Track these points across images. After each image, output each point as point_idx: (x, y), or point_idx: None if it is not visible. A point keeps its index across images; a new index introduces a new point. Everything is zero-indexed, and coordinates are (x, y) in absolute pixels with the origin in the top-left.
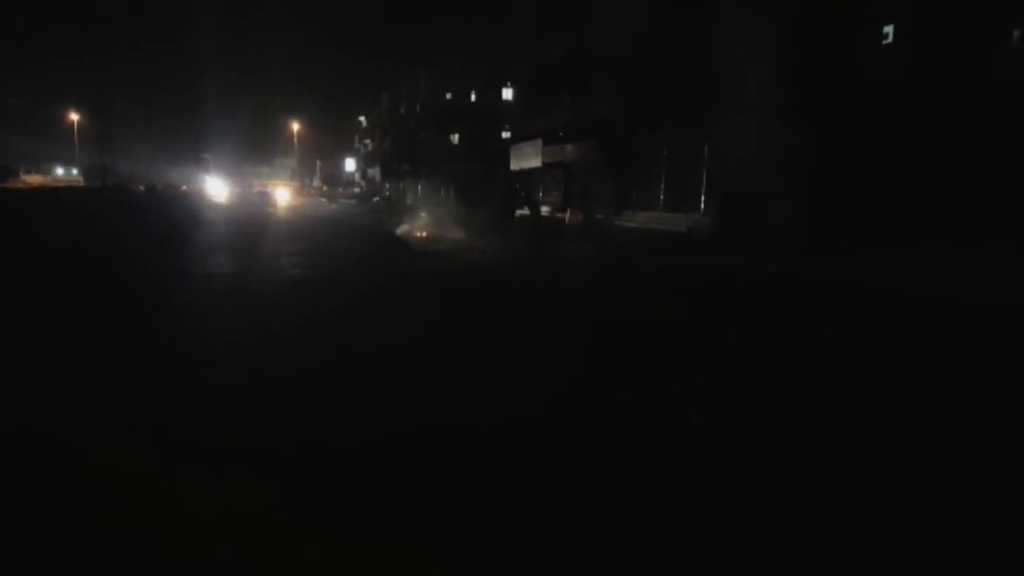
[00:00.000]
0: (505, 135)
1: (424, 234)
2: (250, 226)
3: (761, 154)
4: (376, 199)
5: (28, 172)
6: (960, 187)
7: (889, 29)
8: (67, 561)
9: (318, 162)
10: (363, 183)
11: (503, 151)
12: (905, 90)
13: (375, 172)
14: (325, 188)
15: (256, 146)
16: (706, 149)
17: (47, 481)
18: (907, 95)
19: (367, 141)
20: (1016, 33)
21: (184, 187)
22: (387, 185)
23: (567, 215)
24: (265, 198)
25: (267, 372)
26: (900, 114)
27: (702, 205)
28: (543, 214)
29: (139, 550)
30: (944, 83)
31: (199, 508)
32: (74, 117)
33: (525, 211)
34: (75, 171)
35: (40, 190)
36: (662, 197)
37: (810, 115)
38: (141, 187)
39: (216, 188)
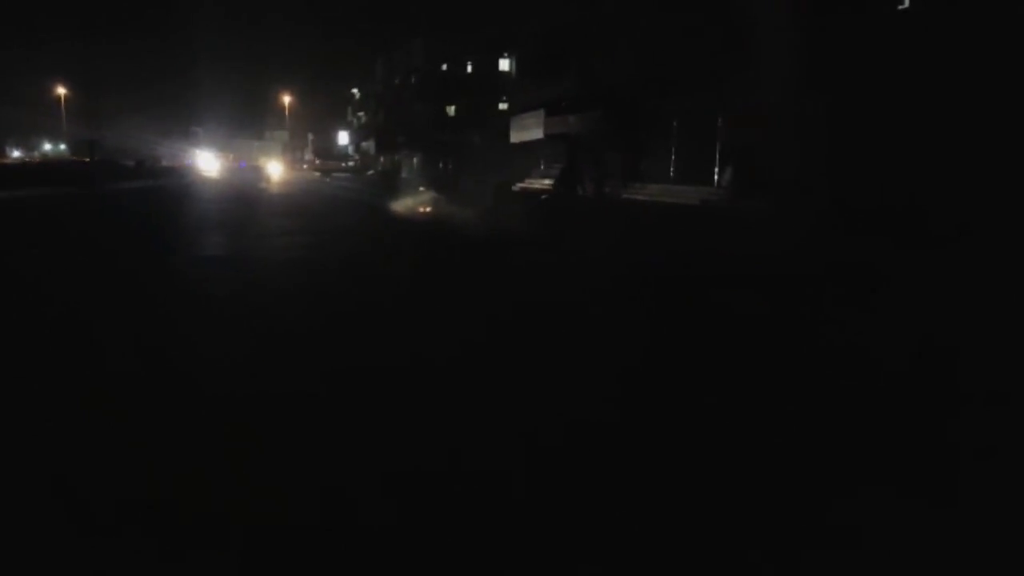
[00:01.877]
0: (503, 107)
1: (429, 209)
2: (236, 208)
3: (778, 122)
4: (370, 172)
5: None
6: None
7: None
8: None
9: (310, 135)
10: (357, 157)
11: (503, 123)
12: (923, 57)
13: (369, 145)
14: (318, 162)
15: (247, 119)
16: (719, 119)
17: None
18: (925, 62)
19: (360, 113)
20: None
21: (175, 162)
22: (382, 158)
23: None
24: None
25: None
26: (919, 80)
27: (715, 177)
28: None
29: None
30: (963, 51)
31: None
32: (61, 91)
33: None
34: (63, 146)
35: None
36: (672, 169)
37: (827, 81)
38: (131, 162)
39: (207, 162)
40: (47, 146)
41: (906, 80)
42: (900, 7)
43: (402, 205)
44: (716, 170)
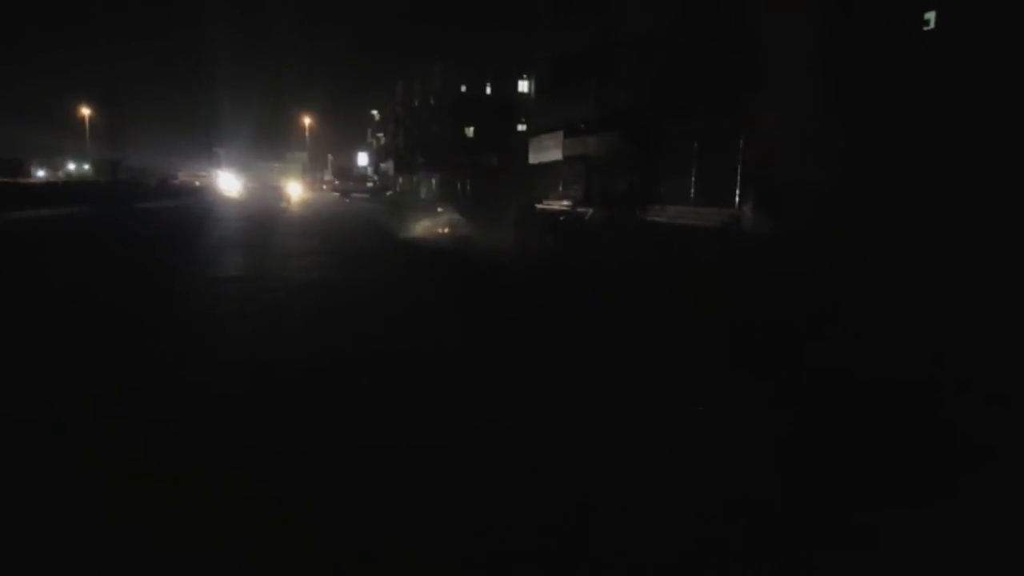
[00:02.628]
0: (521, 128)
1: (446, 231)
2: (257, 228)
3: (801, 143)
4: (389, 193)
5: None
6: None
7: (931, 16)
8: None
9: (330, 156)
10: (375, 177)
11: (521, 144)
12: (948, 78)
13: (388, 166)
14: (337, 182)
15: (268, 140)
16: (741, 140)
17: None
18: (950, 83)
19: (379, 135)
20: None
21: (197, 182)
22: (400, 179)
23: (588, 212)
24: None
25: None
26: (945, 99)
27: (736, 199)
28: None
29: None
30: (988, 73)
31: None
32: (85, 111)
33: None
34: (86, 166)
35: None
36: (693, 191)
37: (851, 102)
38: (153, 181)
39: (228, 182)
40: (71, 166)
41: (930, 100)
42: (925, 28)
43: (420, 226)
44: (737, 192)
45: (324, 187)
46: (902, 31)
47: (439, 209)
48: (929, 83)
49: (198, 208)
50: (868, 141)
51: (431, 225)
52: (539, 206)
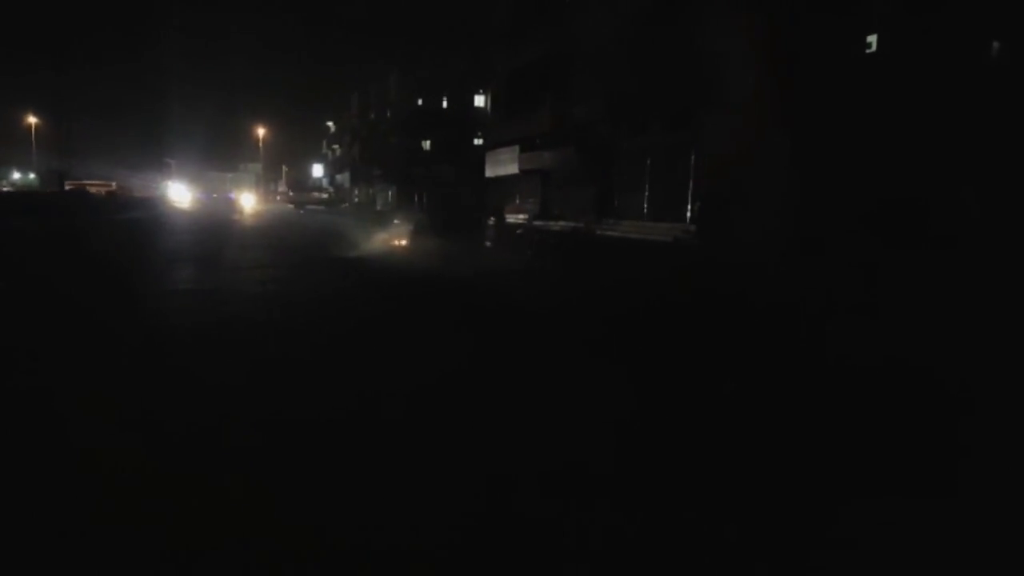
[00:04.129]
0: (478, 142)
1: (402, 243)
2: (208, 240)
3: (747, 158)
4: (345, 205)
5: None
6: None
7: (872, 39)
8: None
9: (284, 167)
10: (331, 189)
11: (477, 157)
12: (889, 96)
13: (344, 178)
14: (291, 194)
15: (220, 151)
16: (692, 156)
17: None
18: (891, 101)
19: (335, 146)
20: (996, 45)
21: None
22: (356, 191)
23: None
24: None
25: None
26: (885, 117)
27: (688, 214)
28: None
29: None
30: (927, 92)
31: None
32: (32, 120)
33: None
34: (31, 175)
35: None
36: (646, 205)
37: (797, 118)
38: (102, 192)
39: (179, 194)
40: (16, 175)
41: (872, 121)
42: (868, 51)
43: (376, 238)
44: (688, 207)
45: (278, 198)
46: (846, 52)
47: (395, 221)
48: (871, 101)
49: (149, 219)
50: (812, 157)
51: (384, 237)
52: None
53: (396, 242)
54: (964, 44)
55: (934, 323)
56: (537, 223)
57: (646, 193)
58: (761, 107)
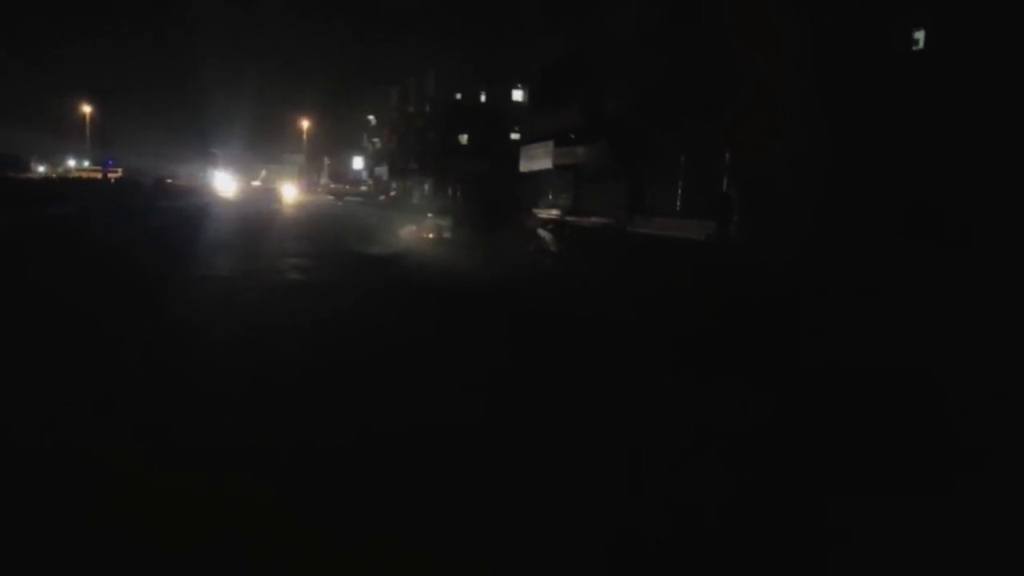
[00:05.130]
0: (515, 136)
1: (431, 236)
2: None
3: (785, 156)
4: (382, 197)
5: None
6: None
7: (920, 35)
8: None
9: (326, 159)
10: (370, 181)
11: (513, 152)
12: (935, 92)
13: (383, 171)
14: (332, 186)
15: (264, 142)
16: (727, 155)
17: None
18: (936, 97)
19: (375, 139)
20: None
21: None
22: (394, 184)
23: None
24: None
25: None
26: (929, 117)
27: (718, 212)
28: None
29: None
30: (972, 89)
31: None
32: (86, 109)
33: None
34: (86, 163)
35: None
36: (679, 202)
37: (836, 115)
38: (148, 181)
39: (224, 183)
40: (71, 162)
41: (916, 121)
42: (915, 48)
43: (407, 231)
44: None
45: (319, 190)
46: (890, 47)
47: (428, 215)
48: (917, 100)
49: (194, 208)
50: (851, 154)
51: (415, 230)
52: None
53: (428, 235)
54: (1017, 46)
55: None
56: (569, 219)
57: (679, 190)
58: (799, 102)
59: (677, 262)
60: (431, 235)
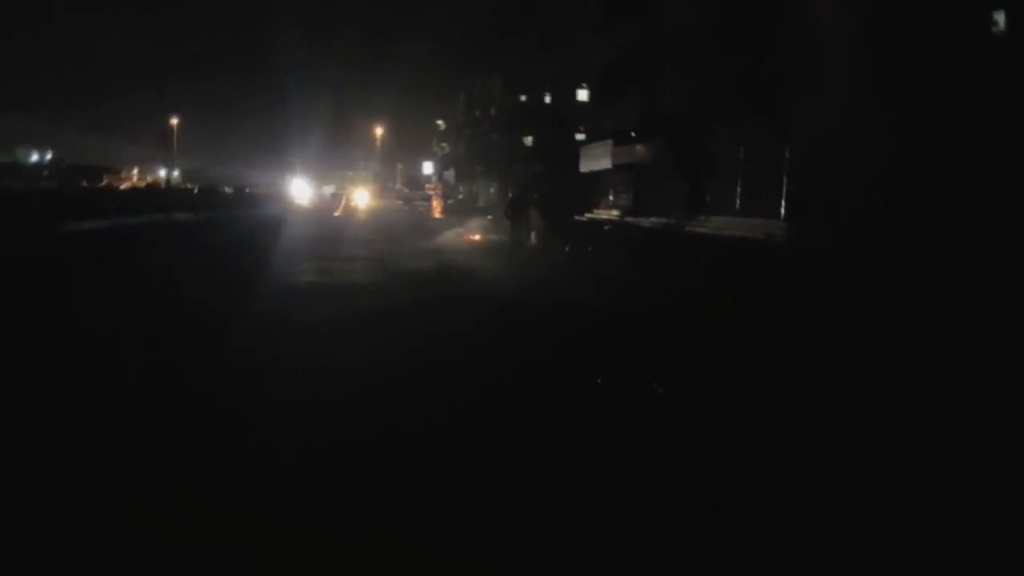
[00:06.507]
0: (580, 137)
1: (492, 238)
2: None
3: (850, 151)
4: (449, 201)
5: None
6: None
7: (1000, 17)
8: None
9: (399, 165)
10: (437, 186)
11: (575, 153)
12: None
13: (450, 175)
14: (406, 191)
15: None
16: (787, 149)
17: None
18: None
19: (443, 144)
20: None
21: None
22: (461, 187)
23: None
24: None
25: None
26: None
27: (783, 210)
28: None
29: None
30: None
31: None
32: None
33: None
34: (176, 172)
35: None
36: (739, 200)
37: (906, 106)
38: (229, 189)
39: (300, 191)
40: (162, 172)
41: (993, 111)
42: (994, 28)
43: (468, 235)
44: (783, 203)
45: (394, 196)
46: (966, 31)
47: (489, 217)
48: (997, 88)
49: (272, 216)
50: (923, 149)
51: (477, 233)
52: (588, 215)
53: (491, 238)
54: None
55: None
56: (628, 220)
57: (738, 188)
58: (864, 93)
59: (730, 267)
60: (498, 239)
